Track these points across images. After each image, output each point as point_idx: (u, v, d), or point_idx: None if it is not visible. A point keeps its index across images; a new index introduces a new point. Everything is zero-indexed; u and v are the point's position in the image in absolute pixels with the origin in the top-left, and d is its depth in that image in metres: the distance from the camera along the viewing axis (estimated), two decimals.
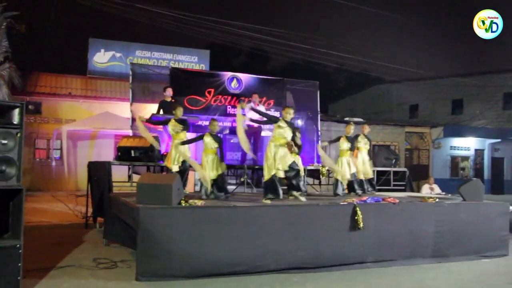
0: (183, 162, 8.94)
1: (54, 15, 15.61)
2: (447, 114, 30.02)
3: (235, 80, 12.87)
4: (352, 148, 9.78)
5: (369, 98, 34.88)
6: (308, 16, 58.81)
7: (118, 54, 20.62)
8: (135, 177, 9.65)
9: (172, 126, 9.21)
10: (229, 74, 13.00)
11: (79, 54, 21.54)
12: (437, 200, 8.48)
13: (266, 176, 7.96)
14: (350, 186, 9.78)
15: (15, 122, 5.36)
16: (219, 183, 8.48)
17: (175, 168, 8.92)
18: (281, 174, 7.95)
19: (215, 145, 8.56)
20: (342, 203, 7.70)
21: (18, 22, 14.11)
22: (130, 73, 12.48)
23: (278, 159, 7.88)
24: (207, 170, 8.45)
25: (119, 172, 10.55)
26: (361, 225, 7.39)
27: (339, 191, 9.60)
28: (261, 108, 12.03)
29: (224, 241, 6.60)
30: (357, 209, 7.46)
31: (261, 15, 53.04)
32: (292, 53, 24.10)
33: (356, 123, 19.73)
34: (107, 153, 15.95)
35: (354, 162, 9.77)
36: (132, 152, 9.65)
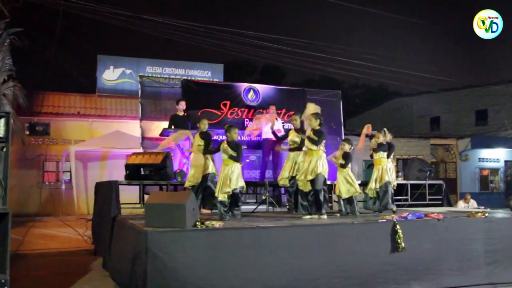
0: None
1: (60, 31, 14.91)
2: (471, 125, 28.91)
3: (252, 92, 12.08)
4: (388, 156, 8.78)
5: (388, 112, 33.96)
6: (322, 30, 58.18)
7: (128, 71, 20.00)
8: (147, 198, 8.79)
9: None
10: (245, 85, 12.24)
11: (88, 71, 20.95)
12: (486, 214, 7.48)
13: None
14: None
15: None
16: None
17: None
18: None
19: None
20: (380, 221, 6.78)
21: (22, 39, 13.46)
22: (139, 86, 11.77)
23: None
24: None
25: (130, 193, 9.73)
26: (403, 245, 6.48)
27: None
28: (279, 122, 11.20)
29: (247, 268, 5.73)
30: (398, 227, 6.55)
31: (274, 28, 52.52)
32: (308, 68, 23.38)
33: None
34: (119, 174, 15.14)
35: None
36: (142, 170, 8.79)
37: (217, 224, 6.10)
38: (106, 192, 8.23)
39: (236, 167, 7.36)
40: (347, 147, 8.37)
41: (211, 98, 11.72)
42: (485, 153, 22.42)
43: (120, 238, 6.90)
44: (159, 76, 18.14)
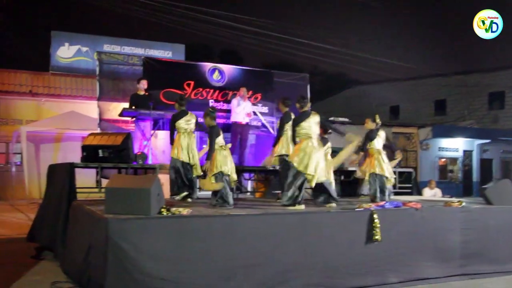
0: None
1: (12, 5, 13.99)
2: (430, 115, 29.25)
3: (217, 72, 11.56)
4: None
5: (348, 100, 33.97)
6: (289, 14, 57.66)
7: (84, 49, 19.06)
8: (105, 182, 8.17)
9: None
10: (210, 65, 11.74)
11: (41, 48, 19.91)
12: (463, 204, 7.25)
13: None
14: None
15: None
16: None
17: None
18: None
19: None
20: (357, 209, 6.43)
21: None
22: (97, 64, 11.12)
23: None
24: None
25: (86, 177, 9.11)
26: (379, 235, 6.16)
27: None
28: (248, 103, 10.74)
29: (218, 259, 5.30)
30: (375, 216, 6.23)
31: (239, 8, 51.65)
32: (270, 50, 22.99)
33: (342, 123, 18.78)
34: (74, 157, 14.39)
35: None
36: (100, 151, 8.15)
37: (184, 211, 5.61)
38: (60, 175, 7.58)
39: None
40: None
41: (174, 78, 11.19)
42: (445, 142, 22.60)
43: (74, 226, 6.31)
44: (117, 56, 17.38)
